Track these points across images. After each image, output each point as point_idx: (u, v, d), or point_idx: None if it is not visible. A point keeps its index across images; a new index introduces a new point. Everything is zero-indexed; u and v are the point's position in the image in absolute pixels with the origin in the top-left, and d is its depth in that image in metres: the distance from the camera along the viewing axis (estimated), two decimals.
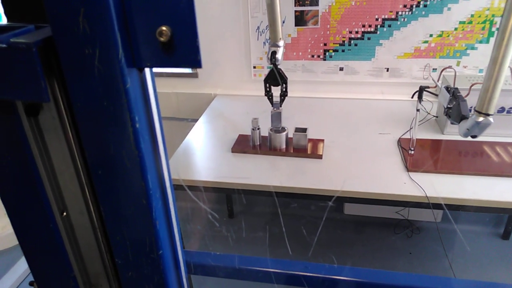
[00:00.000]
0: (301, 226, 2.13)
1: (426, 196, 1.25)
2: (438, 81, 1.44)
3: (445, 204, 1.27)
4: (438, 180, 1.32)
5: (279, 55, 1.38)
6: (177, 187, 1.35)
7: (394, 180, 1.34)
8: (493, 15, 1.75)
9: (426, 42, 1.86)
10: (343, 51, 1.95)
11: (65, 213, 0.48)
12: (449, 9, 1.77)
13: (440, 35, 1.83)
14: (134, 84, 0.38)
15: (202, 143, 1.68)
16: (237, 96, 2.14)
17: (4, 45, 0.35)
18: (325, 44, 1.95)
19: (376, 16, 1.84)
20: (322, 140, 1.58)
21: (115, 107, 0.38)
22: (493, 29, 1.77)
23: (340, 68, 1.99)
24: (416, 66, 1.92)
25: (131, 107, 0.37)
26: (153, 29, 0.35)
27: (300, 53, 1.99)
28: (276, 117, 1.51)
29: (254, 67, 2.08)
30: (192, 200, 1.15)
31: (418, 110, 1.40)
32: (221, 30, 2.01)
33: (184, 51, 0.35)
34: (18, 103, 0.40)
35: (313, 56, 1.99)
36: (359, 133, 1.67)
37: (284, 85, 1.42)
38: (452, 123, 1.20)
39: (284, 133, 1.52)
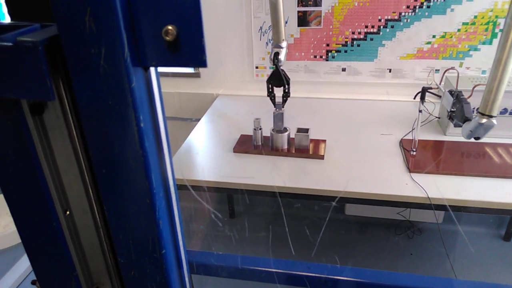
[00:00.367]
0: (304, 226, 2.13)
1: (428, 197, 1.25)
2: (441, 82, 1.43)
3: (446, 205, 1.26)
4: (440, 181, 1.32)
5: (281, 56, 1.38)
6: (180, 186, 1.35)
7: (396, 181, 1.33)
8: (496, 17, 1.74)
9: (429, 43, 1.85)
10: (345, 51, 1.95)
11: (68, 212, 0.49)
12: (452, 10, 1.76)
13: (443, 36, 1.83)
14: (139, 83, 0.38)
15: (204, 143, 1.68)
16: (239, 96, 2.14)
17: (10, 44, 0.35)
18: (327, 45, 1.95)
19: (379, 17, 1.84)
20: (324, 141, 1.58)
21: (120, 106, 0.38)
22: (496, 30, 1.77)
23: (342, 68, 1.99)
24: (419, 67, 1.92)
25: (136, 106, 0.37)
26: (159, 28, 0.35)
27: (303, 54, 1.99)
28: (279, 118, 1.51)
29: (257, 67, 2.08)
30: (193, 199, 1.15)
31: (420, 111, 1.39)
32: (224, 30, 2.01)
33: (190, 51, 0.35)
34: (23, 101, 0.40)
35: (315, 56, 1.99)
36: (361, 133, 1.66)
37: (286, 86, 1.42)
38: (455, 126, 1.20)
39: (286, 133, 1.52)
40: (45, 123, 0.43)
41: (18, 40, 0.35)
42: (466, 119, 1.14)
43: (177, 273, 0.52)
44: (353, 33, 1.90)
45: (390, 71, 1.95)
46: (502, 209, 1.24)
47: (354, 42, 1.92)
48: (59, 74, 0.39)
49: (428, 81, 1.90)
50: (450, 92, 1.31)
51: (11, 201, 0.47)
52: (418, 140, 1.46)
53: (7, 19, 0.44)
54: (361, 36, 1.90)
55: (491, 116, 0.99)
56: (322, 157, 1.48)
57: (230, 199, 2.34)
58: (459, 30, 1.80)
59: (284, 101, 1.45)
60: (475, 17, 1.76)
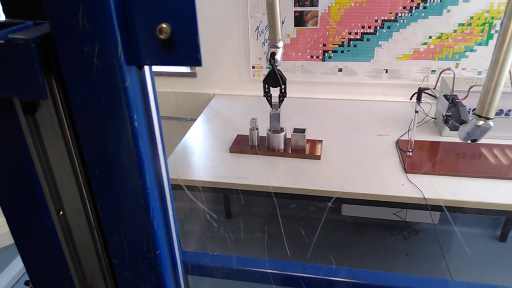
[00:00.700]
0: (299, 227, 2.13)
1: (424, 197, 1.25)
2: (437, 83, 1.44)
3: (442, 206, 1.27)
4: (436, 182, 1.32)
5: (278, 56, 1.37)
6: (175, 186, 1.34)
7: (392, 182, 1.34)
8: (492, 18, 1.75)
9: (425, 44, 1.86)
10: (342, 52, 1.95)
11: (61, 212, 0.48)
12: (448, 11, 1.77)
13: (439, 37, 1.83)
14: (133, 82, 0.37)
15: (200, 143, 1.68)
16: (236, 96, 2.14)
17: (2, 41, 0.34)
18: (324, 45, 1.95)
19: (376, 18, 1.84)
20: (321, 141, 1.57)
21: (114, 105, 0.37)
22: (492, 31, 1.78)
23: (339, 69, 1.99)
24: (415, 68, 1.92)
25: (130, 105, 0.37)
26: (153, 26, 0.34)
27: (299, 54, 1.99)
28: (275, 118, 1.50)
29: (253, 67, 2.07)
30: (189, 200, 1.15)
31: (416, 111, 1.40)
32: (220, 29, 2.00)
33: (184, 49, 0.35)
34: (16, 100, 0.40)
35: (312, 56, 1.99)
36: (357, 134, 1.67)
37: (283, 86, 1.41)
38: (452, 129, 1.20)
39: (283, 133, 1.52)
40: (38, 122, 0.42)
41: (10, 37, 0.35)
42: (463, 122, 1.14)
43: (171, 274, 0.52)
44: (349, 33, 1.90)
45: (386, 72, 1.96)
46: (497, 210, 1.25)
47: (351, 43, 1.92)
48: (52, 73, 0.39)
49: (423, 82, 1.90)
50: (445, 96, 1.32)
51: (4, 201, 0.46)
52: (414, 140, 1.46)
53: (1, 17, 0.44)
54: (358, 37, 1.90)
55: (488, 118, 0.99)
56: (318, 158, 1.48)
57: (226, 199, 2.33)
58: (455, 31, 1.81)
59: (281, 101, 1.45)
60: (471, 18, 1.76)
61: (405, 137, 1.59)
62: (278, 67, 1.39)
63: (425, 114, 1.70)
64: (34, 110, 0.42)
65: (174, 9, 0.33)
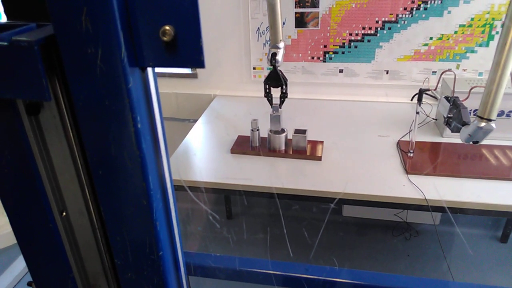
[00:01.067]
0: (302, 228, 2.13)
1: (425, 198, 1.25)
2: (437, 84, 1.44)
3: (443, 207, 1.27)
4: (437, 183, 1.32)
5: (279, 57, 1.37)
6: (177, 187, 1.35)
7: (393, 183, 1.34)
8: (493, 19, 1.75)
9: (426, 45, 1.86)
10: (343, 53, 1.95)
11: (64, 213, 0.48)
12: (449, 12, 1.77)
13: (440, 38, 1.83)
14: (136, 83, 0.37)
15: (201, 144, 1.68)
16: (237, 97, 2.14)
17: (5, 43, 0.35)
18: (325, 46, 1.95)
19: (377, 19, 1.84)
20: (322, 142, 1.57)
21: (117, 107, 0.37)
22: (493, 32, 1.78)
23: (340, 70, 1.99)
24: (416, 69, 1.92)
25: (133, 107, 0.37)
26: (156, 28, 0.35)
27: (300, 55, 1.99)
28: (276, 119, 1.50)
29: (254, 68, 2.07)
30: (191, 200, 1.15)
31: (417, 112, 1.40)
32: (222, 31, 2.01)
33: (187, 51, 0.35)
34: (19, 102, 0.40)
35: (313, 58, 1.99)
36: (358, 135, 1.67)
37: (284, 87, 1.42)
38: (453, 131, 1.20)
39: (284, 134, 1.52)
40: (41, 124, 0.42)
41: (13, 39, 0.35)
42: (465, 124, 1.14)
43: (174, 274, 0.52)
44: (350, 34, 1.90)
45: (387, 73, 1.96)
46: (498, 211, 1.25)
47: (352, 44, 1.92)
48: (55, 74, 0.39)
49: (424, 83, 1.90)
50: (447, 98, 1.31)
51: (7, 201, 0.46)
52: (415, 141, 1.46)
53: (3, 19, 0.44)
54: (359, 38, 1.90)
55: (490, 120, 0.99)
56: (319, 159, 1.48)
57: (228, 200, 2.33)
58: (456, 32, 1.81)
59: (282, 101, 1.45)
60: (472, 19, 1.76)
61: (406, 138, 1.59)
62: (279, 68, 1.39)
63: (426, 115, 1.70)
64: (38, 112, 0.42)
65: (177, 11, 0.34)
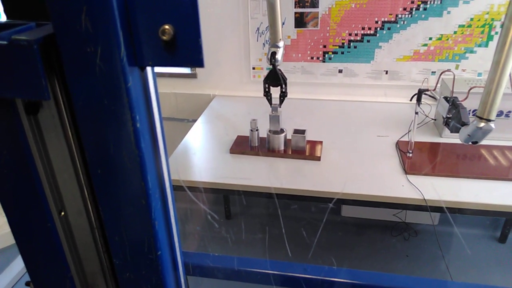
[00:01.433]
0: (300, 228, 2.13)
1: (424, 198, 1.25)
2: (437, 84, 1.44)
3: (442, 207, 1.27)
4: (435, 183, 1.32)
5: (278, 56, 1.37)
6: (176, 187, 1.34)
7: (392, 183, 1.34)
8: (492, 19, 1.75)
9: (425, 45, 1.86)
10: (342, 53, 1.95)
11: (63, 213, 0.48)
12: (448, 12, 1.77)
13: (439, 38, 1.83)
14: (135, 83, 0.37)
15: (200, 143, 1.68)
16: (236, 97, 2.14)
17: (5, 42, 0.35)
18: (324, 46, 1.95)
19: (376, 19, 1.84)
20: (321, 142, 1.58)
21: (116, 106, 0.37)
22: (492, 33, 1.78)
23: (339, 70, 2.00)
24: (415, 69, 1.92)
25: (132, 106, 0.37)
26: (155, 27, 0.35)
27: (300, 55, 1.99)
28: (275, 119, 1.50)
29: (253, 68, 2.07)
30: (190, 200, 1.15)
31: (416, 113, 1.40)
32: (221, 30, 2.01)
33: (187, 50, 0.35)
34: (18, 101, 0.40)
35: (312, 58, 1.99)
36: (357, 135, 1.67)
37: (283, 86, 1.41)
38: (452, 132, 1.20)
39: (283, 134, 1.52)
40: (40, 123, 0.42)
41: (13, 38, 0.35)
42: (464, 124, 1.14)
43: (172, 274, 0.52)
44: (349, 34, 1.90)
45: (386, 73, 1.96)
46: (497, 211, 1.25)
47: (351, 44, 1.92)
48: (54, 74, 0.39)
49: (423, 84, 1.90)
50: (446, 98, 1.32)
51: (5, 201, 0.46)
52: (414, 142, 1.46)
53: (2, 18, 0.44)
54: (358, 38, 1.90)
55: (489, 120, 0.99)
56: (318, 159, 1.48)
57: (227, 200, 2.33)
58: (455, 32, 1.81)
59: (281, 101, 1.45)
60: (471, 19, 1.77)
61: (405, 138, 1.59)
62: (278, 67, 1.39)
63: (425, 115, 1.70)
64: (37, 111, 0.42)
65: (177, 10, 0.33)
